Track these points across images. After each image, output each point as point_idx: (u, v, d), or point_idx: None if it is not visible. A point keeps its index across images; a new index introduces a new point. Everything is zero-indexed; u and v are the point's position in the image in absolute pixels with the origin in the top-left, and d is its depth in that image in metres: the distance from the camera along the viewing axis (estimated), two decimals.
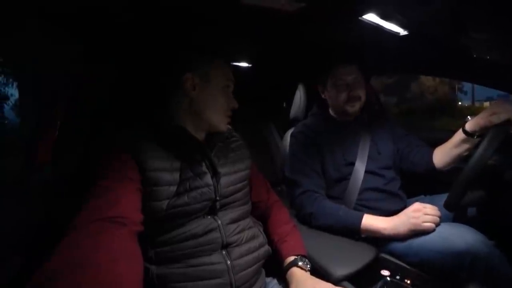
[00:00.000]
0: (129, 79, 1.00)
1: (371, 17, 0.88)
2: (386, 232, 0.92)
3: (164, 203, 0.67)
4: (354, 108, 1.15)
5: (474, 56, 1.06)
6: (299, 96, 1.41)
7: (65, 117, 0.92)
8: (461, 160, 1.03)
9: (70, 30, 0.87)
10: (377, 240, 0.96)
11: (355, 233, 0.96)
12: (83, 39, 0.92)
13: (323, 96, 1.22)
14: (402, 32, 1.00)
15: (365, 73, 1.19)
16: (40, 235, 0.72)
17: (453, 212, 0.96)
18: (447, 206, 0.88)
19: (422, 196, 1.17)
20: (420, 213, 0.89)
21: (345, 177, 1.09)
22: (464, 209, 0.97)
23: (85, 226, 0.54)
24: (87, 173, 0.64)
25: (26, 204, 0.79)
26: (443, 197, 0.90)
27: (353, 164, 1.10)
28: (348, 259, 0.86)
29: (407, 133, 1.23)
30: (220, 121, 0.79)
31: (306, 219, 1.04)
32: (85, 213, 0.56)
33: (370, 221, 0.94)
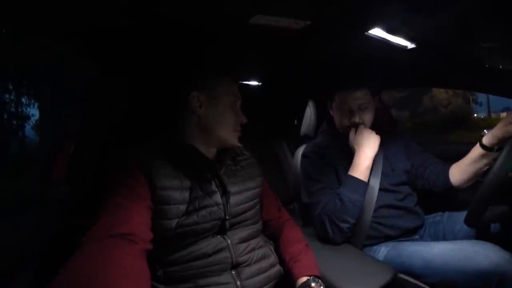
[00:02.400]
0: (141, 98, 1.03)
1: (377, 31, 0.89)
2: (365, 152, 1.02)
3: (173, 222, 0.67)
4: None
5: (486, 65, 1.04)
6: (309, 112, 1.41)
7: (80, 135, 0.95)
8: (480, 176, 0.99)
9: (86, 51, 0.91)
10: (395, 259, 0.91)
11: (362, 187, 0.99)
12: (99, 60, 0.96)
13: (331, 112, 1.20)
14: (410, 45, 1.00)
15: (375, 90, 1.17)
16: (54, 247, 0.73)
17: (475, 229, 0.91)
18: (468, 222, 0.84)
19: (440, 213, 1.12)
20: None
21: None
22: (487, 225, 0.92)
23: (96, 241, 0.54)
24: (100, 189, 0.65)
25: (41, 217, 0.80)
26: (464, 213, 0.86)
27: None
28: (364, 280, 0.82)
29: (422, 150, 1.19)
30: (230, 136, 0.79)
31: (328, 238, 0.99)
32: (96, 229, 0.56)
33: (355, 168, 1.01)
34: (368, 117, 1.10)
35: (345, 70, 1.21)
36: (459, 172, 1.03)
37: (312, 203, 1.06)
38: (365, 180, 1.00)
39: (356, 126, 1.09)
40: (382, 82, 1.42)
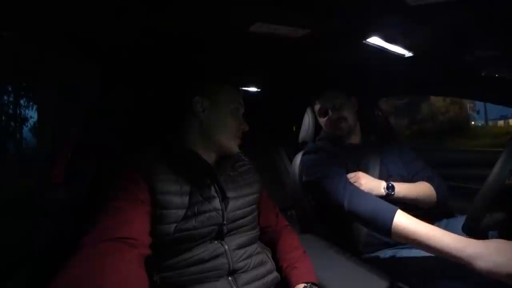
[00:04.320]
0: (143, 102, 1.03)
1: (375, 40, 0.90)
2: (447, 250, 0.68)
3: (172, 227, 0.67)
4: (342, 130, 1.15)
5: (482, 74, 1.05)
6: (308, 120, 1.42)
7: (80, 138, 0.95)
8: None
9: (90, 55, 0.92)
10: (392, 266, 0.91)
11: (383, 231, 0.80)
12: (102, 64, 0.96)
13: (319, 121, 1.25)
14: (407, 53, 1.01)
15: (346, 89, 1.20)
16: (51, 250, 0.72)
17: (473, 236, 0.91)
18: (466, 230, 0.84)
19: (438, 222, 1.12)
20: None
21: None
22: (485, 233, 0.92)
23: (95, 245, 0.54)
24: (99, 193, 0.65)
25: (39, 220, 0.80)
26: (462, 219, 0.86)
27: None
28: (361, 287, 0.82)
29: (415, 158, 1.19)
30: (230, 142, 0.80)
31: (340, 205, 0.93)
32: (96, 232, 0.56)
33: (409, 223, 0.75)
34: (347, 114, 1.15)
35: (350, 71, 1.26)
36: None
37: (324, 176, 1.02)
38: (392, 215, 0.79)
39: (337, 122, 1.14)
40: (380, 89, 1.44)
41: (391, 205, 0.84)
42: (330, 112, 1.16)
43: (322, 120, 1.21)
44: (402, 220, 0.77)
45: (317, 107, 1.22)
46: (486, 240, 0.68)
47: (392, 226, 0.77)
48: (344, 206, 0.92)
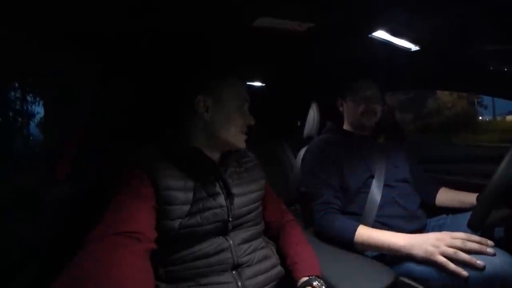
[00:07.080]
0: (146, 100, 1.03)
1: (381, 34, 0.89)
2: (394, 247, 0.83)
3: (176, 223, 0.67)
4: (371, 122, 1.16)
5: (491, 68, 1.04)
6: (313, 114, 1.41)
7: (84, 135, 0.95)
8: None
9: (92, 51, 0.92)
10: (396, 261, 0.91)
11: (349, 245, 0.91)
12: (104, 60, 0.97)
13: (340, 109, 1.25)
14: (414, 47, 1.00)
15: (380, 87, 1.20)
16: (56, 246, 0.73)
17: (479, 233, 0.91)
18: (471, 225, 0.83)
19: (444, 216, 1.12)
20: (442, 243, 0.76)
21: (365, 191, 1.07)
22: (491, 229, 0.91)
23: (101, 239, 0.54)
24: (104, 189, 0.65)
25: (44, 216, 0.81)
26: (468, 215, 0.86)
27: (372, 177, 1.08)
28: (365, 282, 0.82)
29: (416, 163, 1.24)
30: (236, 139, 0.79)
31: (317, 234, 1.03)
32: (101, 227, 0.57)
33: (367, 232, 0.89)
34: (379, 109, 1.17)
35: (355, 66, 1.27)
36: (445, 198, 1.16)
37: (312, 193, 1.09)
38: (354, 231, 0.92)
39: (371, 113, 1.16)
40: (386, 83, 1.43)
41: (354, 222, 0.95)
42: (368, 100, 1.15)
43: (352, 106, 1.19)
44: (362, 232, 0.90)
45: (352, 93, 1.19)
46: (424, 234, 0.80)
47: (354, 238, 0.90)
48: (315, 220, 1.03)
